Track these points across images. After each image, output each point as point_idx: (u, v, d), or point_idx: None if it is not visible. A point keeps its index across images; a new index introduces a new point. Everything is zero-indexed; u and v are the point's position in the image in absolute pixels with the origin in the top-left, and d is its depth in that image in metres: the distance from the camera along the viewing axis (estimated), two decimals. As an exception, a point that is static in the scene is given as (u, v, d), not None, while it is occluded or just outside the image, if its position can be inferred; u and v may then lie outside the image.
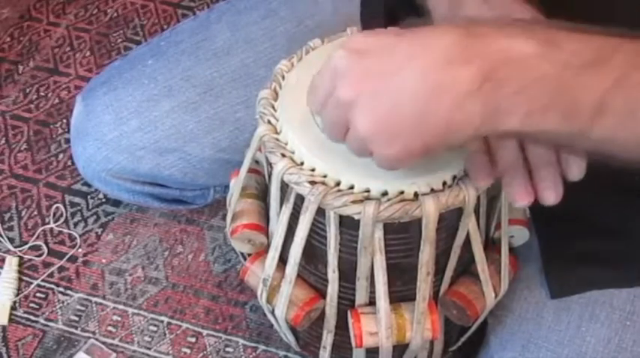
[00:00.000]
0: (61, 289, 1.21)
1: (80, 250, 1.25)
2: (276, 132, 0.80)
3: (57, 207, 1.30)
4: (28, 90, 1.46)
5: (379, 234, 0.77)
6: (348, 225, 0.78)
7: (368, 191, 0.75)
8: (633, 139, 0.60)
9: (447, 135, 0.63)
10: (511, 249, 0.93)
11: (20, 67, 1.49)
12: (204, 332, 1.17)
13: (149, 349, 1.15)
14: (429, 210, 0.75)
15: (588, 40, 0.61)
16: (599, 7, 0.78)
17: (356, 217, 0.75)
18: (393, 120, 0.63)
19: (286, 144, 0.79)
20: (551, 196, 0.73)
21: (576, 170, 0.72)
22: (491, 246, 0.91)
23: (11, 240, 1.26)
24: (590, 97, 0.60)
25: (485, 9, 0.78)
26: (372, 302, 0.85)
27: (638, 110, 0.59)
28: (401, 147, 0.64)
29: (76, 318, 1.18)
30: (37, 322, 1.18)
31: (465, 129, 0.62)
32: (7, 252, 1.25)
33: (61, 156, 1.37)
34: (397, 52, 0.63)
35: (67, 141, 1.35)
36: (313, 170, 0.77)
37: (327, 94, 0.67)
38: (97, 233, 1.27)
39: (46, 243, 1.26)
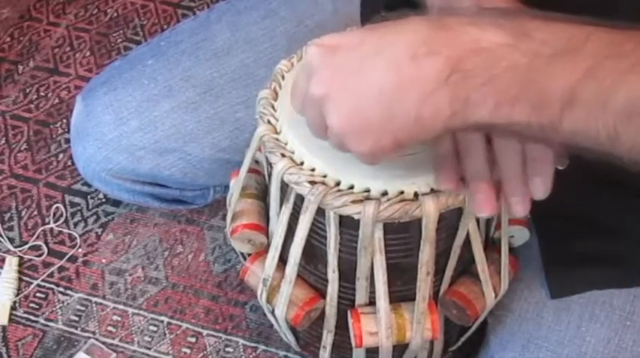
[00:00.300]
0: (61, 289, 1.21)
1: (80, 250, 1.25)
2: (276, 132, 0.80)
3: (57, 207, 1.30)
4: (28, 90, 1.46)
5: (379, 233, 0.77)
6: (348, 225, 0.78)
7: (368, 191, 0.75)
8: (604, 132, 0.58)
9: (417, 130, 0.62)
10: (511, 249, 0.93)
11: (20, 67, 1.49)
12: (204, 332, 1.17)
13: (149, 349, 1.15)
14: (429, 210, 0.75)
15: (560, 29, 0.60)
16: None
17: (356, 217, 0.75)
18: (362, 116, 0.63)
19: (286, 144, 0.79)
20: (519, 210, 0.73)
21: (542, 188, 0.72)
22: (491, 246, 0.91)
23: (11, 240, 1.26)
24: (561, 87, 0.58)
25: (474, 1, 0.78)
26: (372, 302, 0.85)
27: (608, 101, 0.57)
28: (372, 143, 0.64)
29: (76, 318, 1.18)
30: (37, 322, 1.18)
31: (434, 122, 0.61)
32: (7, 252, 1.25)
33: (61, 156, 1.37)
34: (365, 47, 0.63)
35: (67, 141, 1.35)
36: (313, 170, 0.77)
37: (304, 93, 0.67)
38: (97, 233, 1.27)
39: (46, 243, 1.26)
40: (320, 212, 0.78)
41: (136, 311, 1.19)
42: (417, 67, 0.60)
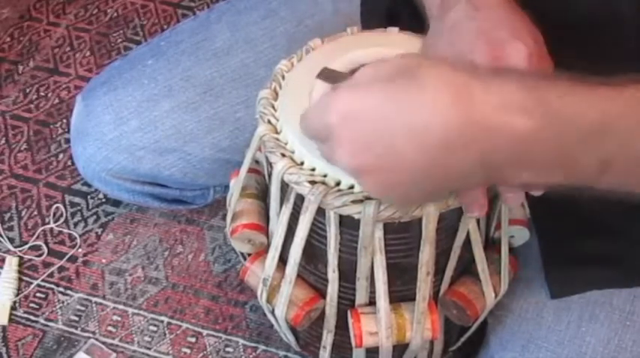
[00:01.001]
0: (61, 289, 1.21)
1: (80, 250, 1.25)
2: (276, 132, 0.80)
3: (57, 207, 1.30)
4: (28, 90, 1.46)
5: (379, 233, 0.77)
6: (349, 225, 0.78)
7: (368, 191, 0.75)
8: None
9: (447, 194, 0.72)
10: (511, 249, 0.93)
11: (20, 67, 1.49)
12: (204, 332, 1.17)
13: (149, 349, 1.15)
14: (429, 210, 0.75)
15: (591, 104, 0.60)
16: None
17: (356, 217, 0.75)
18: (396, 189, 0.66)
19: (286, 143, 0.79)
20: (512, 198, 0.76)
21: (517, 200, 0.77)
22: (491, 246, 0.91)
23: (11, 240, 1.26)
24: (595, 161, 0.60)
25: (471, 10, 0.78)
26: (372, 302, 0.85)
27: None
28: (404, 203, 0.73)
29: (76, 318, 1.18)
30: (37, 322, 1.18)
31: (468, 188, 0.70)
32: (7, 252, 1.25)
33: (61, 156, 1.37)
34: (394, 123, 0.62)
35: (67, 141, 1.35)
36: (313, 170, 0.77)
37: (319, 136, 0.69)
38: (97, 233, 1.27)
39: (46, 243, 1.26)
40: (320, 212, 0.78)
41: (136, 311, 1.19)
42: (451, 157, 0.61)
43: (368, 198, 0.75)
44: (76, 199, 1.31)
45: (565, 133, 0.60)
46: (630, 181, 0.62)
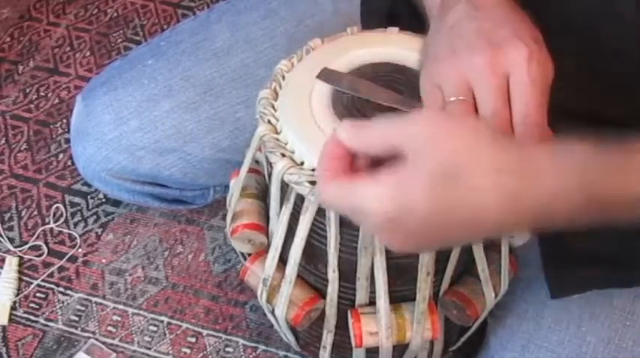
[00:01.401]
0: (61, 289, 1.21)
1: (80, 250, 1.25)
2: (276, 132, 0.80)
3: (57, 207, 1.30)
4: (28, 90, 1.46)
5: (379, 234, 0.77)
6: (349, 225, 0.78)
7: (368, 191, 0.75)
8: None
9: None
10: (511, 249, 0.93)
11: (20, 67, 1.49)
12: (204, 332, 1.17)
13: (149, 349, 1.15)
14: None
15: (630, 186, 0.63)
16: None
17: (356, 217, 0.75)
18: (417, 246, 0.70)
19: (286, 143, 0.79)
20: None
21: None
22: (491, 246, 0.91)
23: (11, 240, 1.26)
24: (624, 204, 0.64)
25: (471, 10, 0.78)
26: (372, 302, 0.85)
27: None
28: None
29: (76, 318, 1.18)
30: (37, 322, 1.18)
31: None
32: (7, 252, 1.25)
33: (61, 156, 1.37)
34: (442, 228, 0.63)
35: (67, 141, 1.35)
36: (313, 170, 0.76)
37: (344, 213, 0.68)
38: (97, 233, 1.27)
39: (46, 243, 1.26)
40: (320, 212, 0.78)
41: (136, 311, 1.19)
42: (484, 231, 0.66)
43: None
44: (76, 199, 1.31)
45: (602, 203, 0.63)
46: None
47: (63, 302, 1.20)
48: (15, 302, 1.20)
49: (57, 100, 1.44)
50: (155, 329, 1.17)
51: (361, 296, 0.85)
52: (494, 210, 0.61)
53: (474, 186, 0.60)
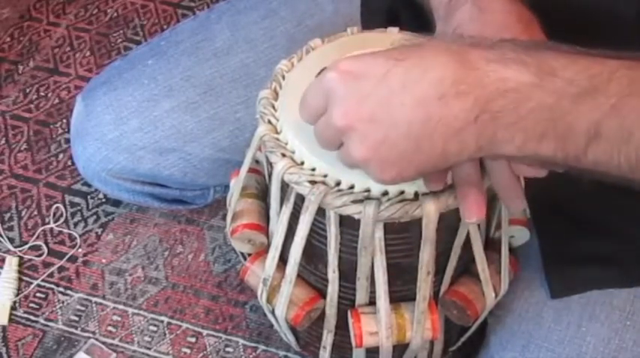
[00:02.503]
0: (61, 289, 1.21)
1: (80, 250, 1.25)
2: (277, 132, 0.80)
3: (57, 207, 1.30)
4: (28, 90, 1.46)
5: (379, 233, 0.77)
6: (349, 225, 0.78)
7: (368, 191, 0.75)
8: (626, 163, 0.61)
9: (441, 162, 0.65)
10: (511, 249, 0.93)
11: (20, 67, 1.49)
12: (204, 332, 1.17)
13: (149, 349, 1.15)
14: (430, 210, 0.75)
15: (584, 67, 0.61)
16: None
17: (356, 217, 0.75)
18: (387, 149, 0.64)
19: (286, 143, 0.79)
20: (517, 205, 0.76)
21: (520, 204, 0.75)
22: (491, 246, 0.91)
23: (11, 240, 1.26)
24: (585, 125, 0.60)
25: (475, 12, 0.78)
26: (372, 302, 0.85)
27: (631, 136, 0.60)
28: (395, 174, 0.66)
29: (76, 318, 1.18)
30: (37, 322, 1.18)
31: (459, 156, 0.64)
32: (7, 252, 1.25)
33: (61, 156, 1.37)
34: (391, 80, 0.63)
35: (67, 141, 1.35)
36: (313, 170, 0.76)
37: (318, 112, 0.68)
38: (97, 233, 1.27)
39: (46, 243, 1.26)
40: (320, 212, 0.78)
41: (136, 311, 1.19)
42: (446, 107, 0.61)
43: (368, 198, 0.75)
44: (76, 199, 1.31)
45: (560, 92, 0.60)
46: (614, 158, 0.61)
47: (63, 302, 1.20)
48: (15, 302, 1.20)
49: (57, 100, 1.44)
50: (155, 329, 1.17)
51: (361, 296, 0.85)
52: (437, 68, 0.62)
53: (425, 48, 0.63)
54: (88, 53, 1.51)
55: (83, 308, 1.19)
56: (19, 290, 1.21)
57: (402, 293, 0.85)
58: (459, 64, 0.62)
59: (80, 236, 1.27)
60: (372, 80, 0.64)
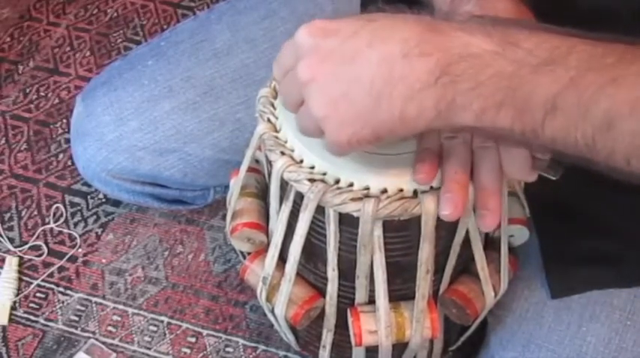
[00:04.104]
0: (61, 289, 1.21)
1: (80, 250, 1.26)
2: (276, 131, 0.80)
3: (57, 207, 1.30)
4: (28, 90, 1.46)
5: (378, 231, 0.77)
6: (348, 223, 0.78)
7: (367, 188, 0.75)
8: (583, 140, 0.61)
9: (399, 126, 0.64)
10: (511, 249, 0.92)
11: (20, 67, 1.49)
12: (204, 332, 1.17)
13: (149, 349, 1.15)
14: (429, 208, 0.75)
15: (545, 40, 0.62)
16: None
17: (355, 215, 0.75)
18: (346, 105, 0.64)
19: (286, 142, 0.79)
20: (485, 224, 0.75)
21: (490, 222, 0.75)
22: (491, 245, 0.91)
23: (11, 240, 1.26)
24: (544, 96, 0.60)
25: (477, 11, 0.78)
26: (371, 301, 0.85)
27: (588, 111, 0.59)
28: (351, 134, 0.66)
29: (76, 318, 1.18)
30: (37, 322, 1.18)
31: (417, 121, 0.64)
32: (7, 252, 1.25)
33: (61, 156, 1.37)
34: (358, 38, 0.64)
35: (67, 141, 1.35)
36: (313, 168, 0.76)
37: (287, 68, 0.69)
38: (97, 233, 1.27)
39: (46, 243, 1.26)
40: (319, 210, 0.78)
41: (136, 311, 1.19)
42: (409, 66, 0.62)
43: (367, 196, 0.75)
44: (76, 199, 1.31)
45: (520, 61, 0.61)
46: (571, 134, 0.61)
47: (63, 302, 1.20)
48: (15, 302, 1.20)
49: (57, 100, 1.44)
50: (155, 329, 1.17)
51: (361, 295, 0.85)
52: (403, 29, 0.63)
53: (395, 16, 0.65)
54: (88, 53, 1.51)
55: (83, 308, 1.19)
56: (19, 290, 1.21)
57: (401, 291, 0.85)
58: (427, 28, 0.63)
59: (80, 236, 1.27)
60: (341, 37, 0.64)
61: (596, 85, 0.59)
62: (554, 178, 0.75)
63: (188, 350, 1.15)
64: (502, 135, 0.64)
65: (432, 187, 0.75)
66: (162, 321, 1.18)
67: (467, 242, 0.84)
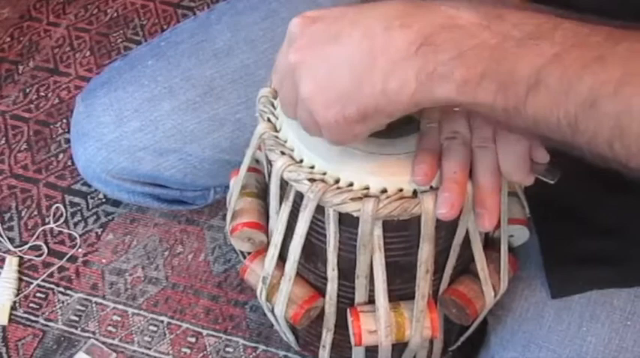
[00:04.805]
0: (61, 289, 1.21)
1: (80, 250, 1.25)
2: (276, 130, 0.80)
3: (57, 207, 1.30)
4: (28, 90, 1.46)
5: (378, 231, 0.77)
6: (348, 223, 0.78)
7: (367, 188, 0.75)
8: (565, 120, 0.60)
9: (383, 101, 0.64)
10: (511, 249, 0.93)
11: (20, 67, 1.49)
12: (204, 332, 1.17)
13: (149, 349, 1.15)
14: (428, 208, 0.75)
15: (531, 16, 0.61)
16: None
17: (355, 214, 0.75)
18: (331, 83, 0.65)
19: (286, 141, 0.79)
20: (483, 224, 0.75)
21: (487, 222, 0.74)
22: (490, 245, 0.91)
23: (11, 240, 1.26)
24: (527, 70, 0.59)
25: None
26: (371, 301, 0.85)
27: (571, 88, 0.58)
28: (337, 111, 0.66)
29: (76, 318, 1.18)
30: (37, 322, 1.18)
31: (400, 95, 0.63)
32: (7, 252, 1.25)
33: (61, 156, 1.37)
34: (343, 19, 0.65)
35: (67, 141, 1.35)
36: (312, 167, 0.76)
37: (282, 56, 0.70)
38: (97, 233, 1.27)
39: (46, 243, 1.26)
40: (319, 210, 0.78)
41: (136, 311, 1.19)
42: (389, 37, 0.62)
43: (367, 196, 0.75)
44: (76, 199, 1.31)
45: (504, 34, 0.60)
46: (554, 113, 0.60)
47: (63, 302, 1.20)
48: (15, 302, 1.20)
49: (57, 100, 1.44)
50: (155, 329, 1.17)
51: (360, 295, 0.85)
52: (389, 6, 0.64)
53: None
54: (88, 53, 1.51)
55: (83, 308, 1.19)
56: (19, 290, 1.21)
57: (401, 291, 0.85)
58: (410, 5, 0.64)
59: (80, 236, 1.27)
60: (328, 21, 0.66)
61: (580, 61, 0.58)
62: (551, 182, 0.75)
63: (188, 350, 1.15)
64: (485, 112, 0.63)
65: (431, 187, 0.75)
66: (162, 321, 1.18)
67: (467, 242, 0.84)
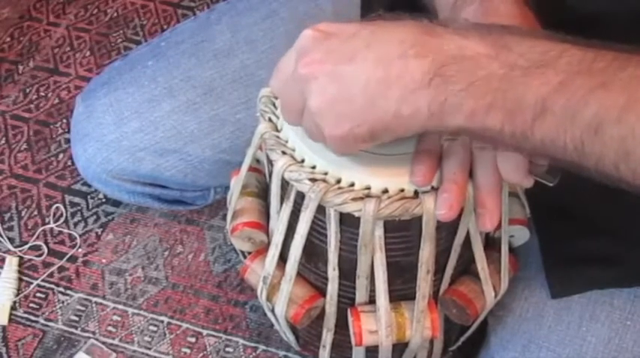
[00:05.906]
0: (61, 289, 1.21)
1: (80, 250, 1.25)
2: (277, 130, 0.80)
3: (57, 207, 1.30)
4: (28, 90, 1.46)
5: (379, 231, 0.77)
6: (349, 223, 0.78)
7: (368, 188, 0.75)
8: (572, 144, 0.61)
9: (394, 124, 0.65)
10: (511, 249, 0.93)
11: (20, 67, 1.49)
12: (204, 332, 1.17)
13: (149, 349, 1.15)
14: (430, 208, 0.75)
15: (537, 44, 0.63)
16: None
17: (356, 214, 0.75)
18: (343, 102, 0.66)
19: (287, 141, 0.79)
20: (484, 224, 0.76)
21: (488, 222, 0.76)
22: (491, 245, 0.91)
23: (11, 240, 1.26)
24: (533, 98, 0.61)
25: (480, 15, 0.79)
26: (372, 301, 0.85)
27: (577, 114, 0.60)
28: (347, 130, 0.67)
29: (76, 318, 1.18)
30: (37, 322, 1.18)
31: (411, 121, 0.65)
32: (7, 252, 1.25)
33: (61, 156, 1.37)
34: (357, 39, 0.66)
35: (67, 141, 1.35)
36: (314, 167, 0.77)
37: (289, 73, 0.69)
38: (97, 233, 1.27)
39: (46, 243, 1.26)
40: (320, 210, 0.78)
41: (136, 311, 1.19)
42: (404, 66, 0.63)
43: (368, 196, 0.75)
44: (76, 199, 1.31)
45: (511, 64, 0.62)
46: (560, 138, 0.61)
47: (63, 302, 1.20)
48: (15, 302, 1.20)
49: (57, 100, 1.44)
50: (155, 329, 1.17)
51: (361, 295, 0.85)
52: (402, 32, 0.65)
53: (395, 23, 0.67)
54: (88, 53, 1.51)
55: (83, 308, 1.19)
56: (19, 290, 1.21)
57: (401, 291, 0.85)
58: (423, 31, 0.64)
59: (80, 236, 1.27)
60: (341, 38, 0.66)
61: (585, 88, 0.60)
62: (551, 184, 0.75)
63: (188, 350, 1.15)
64: (493, 138, 0.65)
65: (433, 187, 0.75)
66: (162, 321, 1.18)
67: (467, 242, 0.84)
